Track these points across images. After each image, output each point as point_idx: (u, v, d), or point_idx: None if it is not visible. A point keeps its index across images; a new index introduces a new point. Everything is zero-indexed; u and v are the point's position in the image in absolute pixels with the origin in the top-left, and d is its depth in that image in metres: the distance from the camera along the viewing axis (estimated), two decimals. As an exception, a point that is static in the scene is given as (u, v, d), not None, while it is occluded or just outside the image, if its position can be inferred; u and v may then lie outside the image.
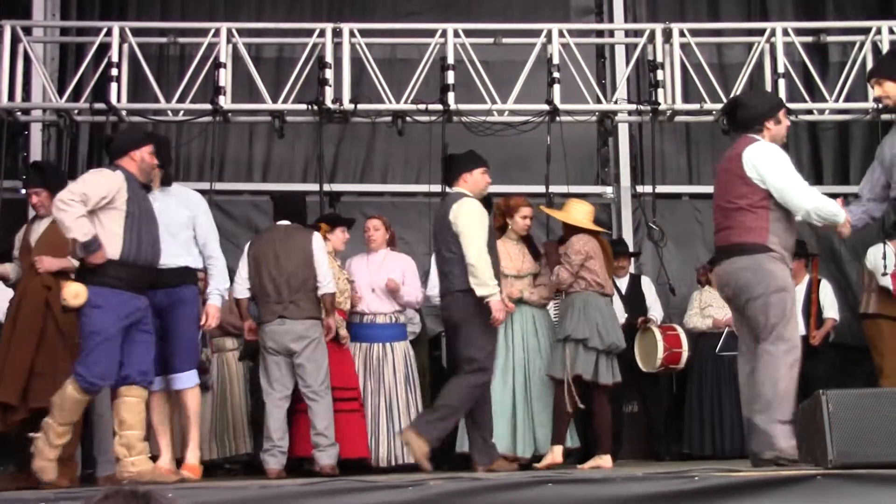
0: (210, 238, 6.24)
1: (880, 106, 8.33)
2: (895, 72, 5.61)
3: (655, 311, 8.60)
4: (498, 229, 7.25)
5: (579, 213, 7.10)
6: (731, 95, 6.31)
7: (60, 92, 8.65)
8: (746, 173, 5.30)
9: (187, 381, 6.08)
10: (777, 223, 5.30)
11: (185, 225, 6.14)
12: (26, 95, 8.76)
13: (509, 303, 6.73)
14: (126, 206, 5.68)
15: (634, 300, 8.61)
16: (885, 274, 7.72)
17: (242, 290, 6.94)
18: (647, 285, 8.81)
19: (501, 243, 7.13)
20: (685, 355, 8.06)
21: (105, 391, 6.13)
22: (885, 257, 6.87)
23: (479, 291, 6.22)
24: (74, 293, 5.51)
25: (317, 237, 6.91)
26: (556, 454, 6.79)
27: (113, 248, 5.58)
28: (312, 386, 6.70)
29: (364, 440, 7.15)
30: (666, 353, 7.85)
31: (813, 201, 5.28)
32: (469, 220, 6.34)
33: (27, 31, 8.75)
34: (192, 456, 6.14)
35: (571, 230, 7.05)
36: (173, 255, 6.04)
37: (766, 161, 5.30)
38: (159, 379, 6.06)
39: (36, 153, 9.49)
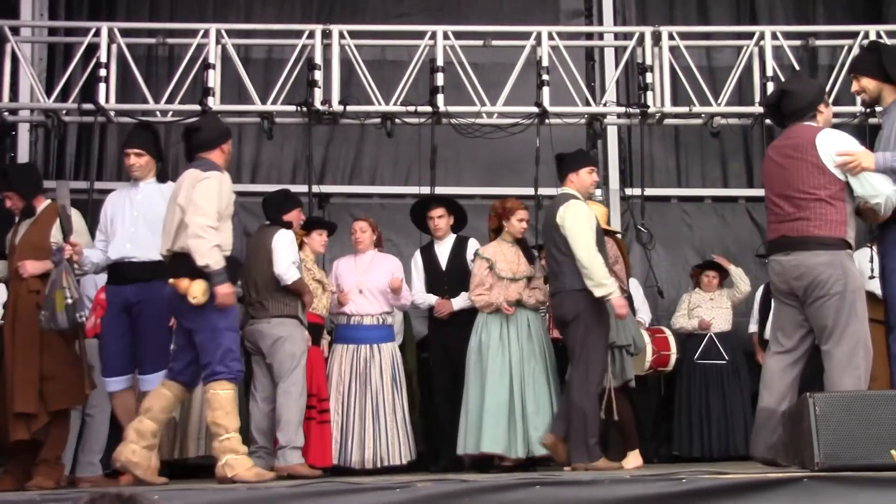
0: None
1: (867, 110, 8.40)
2: (871, 68, 5.59)
3: (643, 313, 8.61)
4: (493, 231, 7.28)
5: (598, 215, 7.19)
6: (774, 89, 6.18)
7: (48, 92, 8.62)
8: (823, 162, 5.23)
9: (154, 383, 5.93)
10: (851, 217, 5.28)
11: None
12: (14, 95, 8.72)
13: (508, 307, 6.94)
14: (233, 206, 5.76)
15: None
16: (871, 277, 7.74)
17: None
18: (635, 287, 8.82)
19: (497, 245, 7.16)
20: (673, 358, 8.09)
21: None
22: (871, 261, 6.87)
23: (597, 293, 6.32)
24: (203, 290, 5.50)
25: (280, 234, 6.85)
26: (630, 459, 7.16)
27: (228, 246, 5.64)
28: (279, 384, 6.67)
29: (329, 449, 7.16)
30: (654, 356, 7.86)
31: (891, 186, 5.23)
32: (575, 222, 6.44)
33: (15, 30, 8.72)
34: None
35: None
36: (147, 248, 6.04)
37: (842, 147, 5.26)
38: (128, 378, 6.07)
39: (23, 154, 9.47)
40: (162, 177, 6.29)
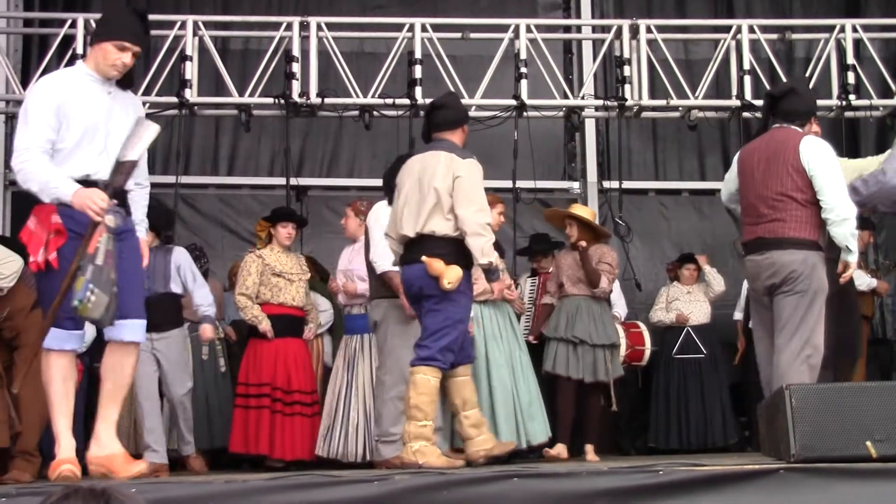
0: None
1: (843, 104, 8.46)
2: None
3: (619, 307, 8.61)
4: None
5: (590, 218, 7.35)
6: (783, 84, 6.18)
7: (24, 84, 8.55)
8: (804, 166, 5.28)
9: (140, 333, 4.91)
10: (820, 219, 5.33)
11: None
12: (-10, 87, 8.67)
13: (511, 292, 7.15)
14: None
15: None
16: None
17: None
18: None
19: None
20: (648, 353, 8.12)
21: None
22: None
23: None
24: (457, 277, 5.41)
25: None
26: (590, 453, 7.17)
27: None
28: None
29: (308, 442, 7.21)
30: (629, 350, 7.89)
31: (851, 213, 5.27)
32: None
33: (-10, 21, 8.67)
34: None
35: (587, 233, 7.24)
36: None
37: (823, 157, 5.30)
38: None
39: (-1, 145, 9.40)
40: (127, 81, 5.05)
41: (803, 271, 5.24)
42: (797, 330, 5.23)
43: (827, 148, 5.40)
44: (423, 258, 5.44)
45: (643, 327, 8.23)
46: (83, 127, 4.72)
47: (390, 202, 6.15)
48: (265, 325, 7.27)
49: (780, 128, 5.51)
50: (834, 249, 5.38)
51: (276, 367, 7.25)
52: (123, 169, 4.69)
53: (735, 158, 5.81)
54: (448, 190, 5.49)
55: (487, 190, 7.73)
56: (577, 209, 7.55)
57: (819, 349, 5.27)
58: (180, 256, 7.12)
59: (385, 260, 6.28)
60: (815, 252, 5.31)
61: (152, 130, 4.81)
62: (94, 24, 8.33)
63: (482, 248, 5.43)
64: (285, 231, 7.44)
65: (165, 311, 6.92)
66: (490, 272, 5.58)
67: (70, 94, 4.75)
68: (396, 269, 5.99)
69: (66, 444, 4.71)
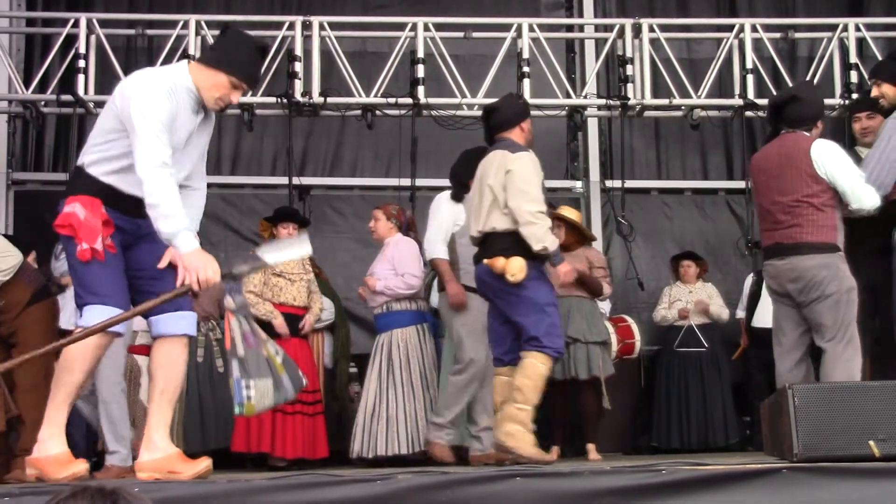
0: None
1: (846, 102, 8.45)
2: (893, 74, 5.74)
3: (603, 304, 8.55)
4: None
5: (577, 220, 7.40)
6: (784, 91, 6.23)
7: (27, 83, 8.57)
8: (817, 171, 5.29)
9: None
10: (839, 222, 5.35)
11: None
12: (-8, 87, 8.68)
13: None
14: None
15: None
16: None
17: None
18: None
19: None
20: (638, 345, 8.08)
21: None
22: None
23: None
24: (520, 267, 5.46)
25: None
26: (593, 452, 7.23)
27: None
28: None
29: (311, 442, 7.23)
30: (620, 344, 7.89)
31: (876, 199, 5.32)
32: None
33: (-7, 21, 8.68)
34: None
35: (574, 235, 7.33)
36: None
37: (835, 160, 5.31)
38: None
39: (1, 145, 9.41)
40: None
41: (826, 275, 5.26)
42: (839, 334, 5.25)
43: (836, 148, 5.41)
44: (484, 261, 5.59)
45: (630, 320, 8.20)
46: (174, 145, 4.45)
47: (454, 195, 6.60)
48: (279, 322, 7.24)
49: (789, 133, 5.50)
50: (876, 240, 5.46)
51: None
52: (251, 264, 4.52)
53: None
54: (501, 185, 5.57)
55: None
56: (565, 211, 7.57)
57: (858, 347, 5.29)
58: None
59: (434, 246, 6.49)
60: (834, 254, 5.32)
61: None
62: (96, 24, 8.38)
63: (535, 235, 5.48)
64: (286, 231, 7.42)
65: None
66: (551, 257, 5.61)
67: (178, 107, 4.49)
68: (443, 256, 6.42)
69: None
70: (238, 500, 4.03)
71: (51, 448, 4.53)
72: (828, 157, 5.32)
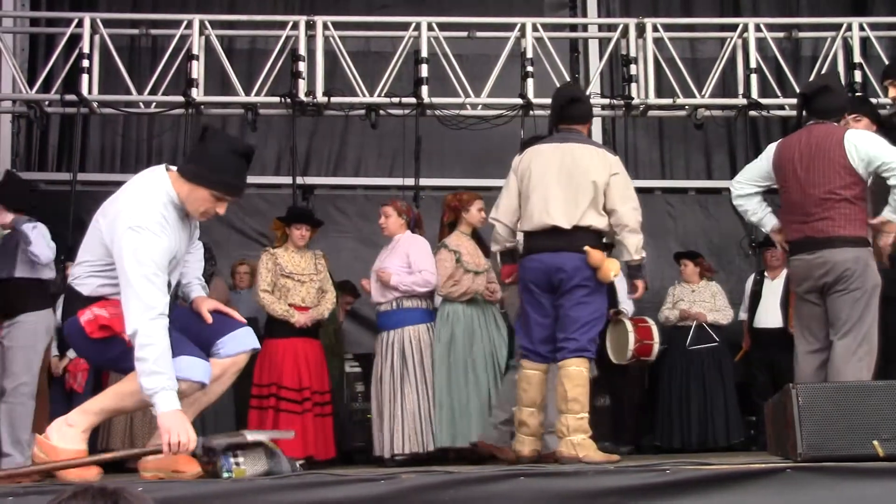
0: None
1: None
2: None
3: (627, 304, 8.60)
4: (448, 226, 7.27)
5: None
6: (809, 80, 6.19)
7: (31, 83, 8.57)
8: (850, 163, 5.24)
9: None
10: (867, 216, 5.31)
11: None
12: (-4, 87, 8.69)
13: (490, 294, 7.07)
14: None
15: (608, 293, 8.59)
16: None
17: None
18: (619, 279, 8.78)
19: (456, 238, 7.15)
20: (656, 347, 8.07)
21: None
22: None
23: None
24: (617, 269, 5.52)
25: None
26: None
27: None
28: None
29: (323, 441, 7.16)
30: (637, 344, 7.85)
31: None
32: None
33: (-3, 21, 8.68)
34: None
35: None
36: None
37: (871, 141, 5.28)
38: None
39: (5, 145, 9.42)
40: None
41: (857, 269, 5.21)
42: (854, 328, 5.21)
43: (869, 133, 5.39)
44: (587, 248, 5.43)
45: (651, 322, 8.19)
46: (170, 262, 4.41)
47: None
48: (298, 318, 7.17)
49: (818, 124, 5.43)
50: None
51: (283, 366, 7.16)
52: (230, 440, 4.39)
53: (769, 152, 5.64)
54: (605, 185, 5.52)
55: (492, 189, 7.80)
56: None
57: (875, 346, 5.26)
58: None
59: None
60: (865, 249, 5.28)
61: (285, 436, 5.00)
62: (100, 24, 8.38)
63: (637, 245, 5.52)
64: (299, 233, 7.34)
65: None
66: (638, 269, 5.62)
67: (171, 233, 4.38)
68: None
69: None
70: (241, 499, 4.03)
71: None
72: (862, 141, 5.27)
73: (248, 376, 8.07)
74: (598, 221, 5.52)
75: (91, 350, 4.60)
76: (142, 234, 4.26)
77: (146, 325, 4.20)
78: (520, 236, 5.89)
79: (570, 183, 5.52)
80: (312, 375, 7.22)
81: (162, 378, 4.20)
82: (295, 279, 7.27)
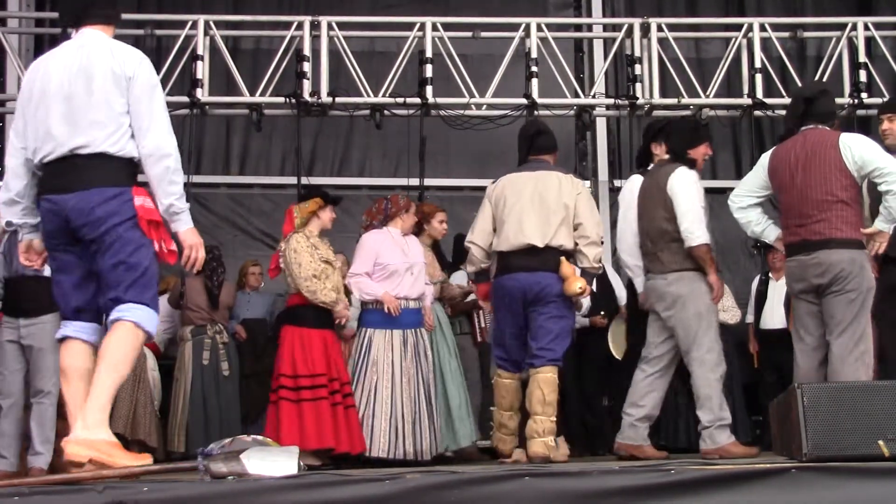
0: None
1: (855, 102, 8.43)
2: None
3: (622, 296, 8.47)
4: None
5: None
6: (800, 86, 6.35)
7: (35, 83, 8.57)
8: (847, 166, 5.30)
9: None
10: (862, 219, 5.39)
11: None
12: (1, 87, 8.69)
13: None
14: None
15: (606, 293, 8.55)
16: None
17: None
18: (612, 275, 8.73)
19: None
20: None
21: None
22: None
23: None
24: (583, 285, 5.95)
25: (680, 172, 6.46)
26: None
27: None
28: (690, 352, 6.22)
29: (359, 435, 6.75)
30: None
31: None
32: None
33: (2, 21, 8.71)
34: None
35: None
36: None
37: (865, 145, 5.34)
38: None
39: (10, 145, 9.42)
40: None
41: (852, 271, 5.27)
42: (849, 329, 5.27)
43: (863, 137, 5.45)
44: (562, 258, 5.96)
45: None
46: None
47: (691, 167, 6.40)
48: (341, 310, 6.83)
49: (813, 129, 5.48)
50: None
51: (328, 358, 6.74)
52: (230, 468, 4.28)
53: (764, 161, 5.71)
54: (573, 206, 6.01)
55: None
56: None
57: (871, 347, 5.31)
58: None
59: (702, 231, 6.19)
60: (861, 251, 5.34)
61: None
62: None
63: (598, 256, 6.05)
64: (332, 216, 7.01)
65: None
66: (592, 277, 6.18)
67: None
68: (706, 241, 6.12)
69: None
70: (245, 499, 4.03)
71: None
72: (857, 144, 5.32)
73: (258, 374, 8.09)
74: (568, 241, 6.02)
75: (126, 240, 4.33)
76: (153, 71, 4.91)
77: (175, 150, 4.51)
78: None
79: (543, 205, 6.00)
80: (341, 367, 6.82)
81: (185, 198, 4.48)
82: (333, 266, 6.90)
